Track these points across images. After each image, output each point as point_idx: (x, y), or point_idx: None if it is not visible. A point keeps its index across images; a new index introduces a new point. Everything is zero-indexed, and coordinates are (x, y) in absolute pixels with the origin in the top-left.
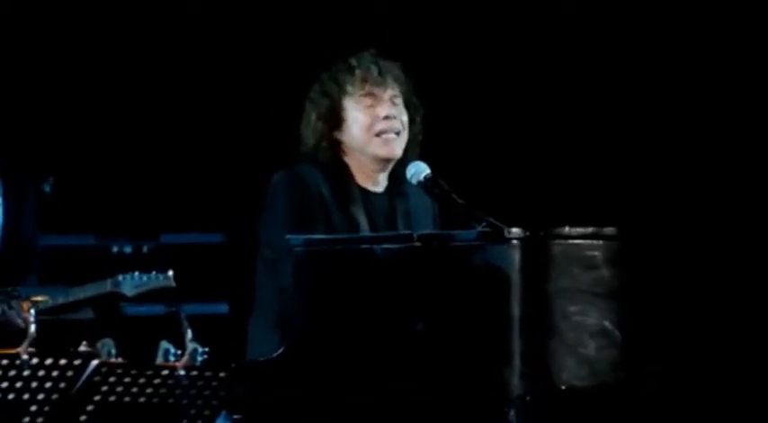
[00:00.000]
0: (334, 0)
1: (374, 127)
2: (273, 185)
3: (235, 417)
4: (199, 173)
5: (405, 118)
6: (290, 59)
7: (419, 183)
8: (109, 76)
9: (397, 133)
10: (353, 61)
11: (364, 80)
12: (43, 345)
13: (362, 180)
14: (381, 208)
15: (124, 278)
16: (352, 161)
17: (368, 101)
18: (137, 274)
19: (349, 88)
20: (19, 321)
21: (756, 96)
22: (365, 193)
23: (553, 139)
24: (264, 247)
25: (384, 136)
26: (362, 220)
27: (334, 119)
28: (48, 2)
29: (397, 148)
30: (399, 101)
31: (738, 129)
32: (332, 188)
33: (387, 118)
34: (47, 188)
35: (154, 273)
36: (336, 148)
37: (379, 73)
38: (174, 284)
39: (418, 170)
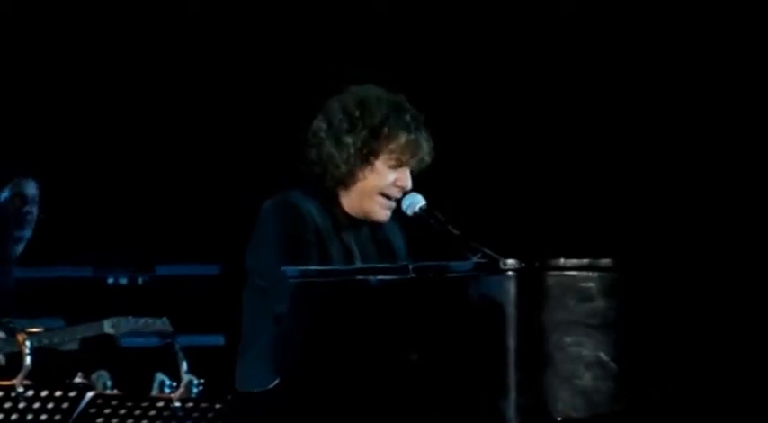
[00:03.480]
0: (334, 1)
1: (386, 189)
2: (265, 212)
3: None
4: (195, 204)
5: None
6: (287, 81)
7: (415, 214)
8: (108, 109)
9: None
10: (410, 119)
11: (410, 149)
12: (39, 376)
13: (349, 210)
14: (364, 236)
15: (119, 321)
16: (345, 194)
17: (396, 163)
18: (132, 318)
19: (393, 144)
20: None
21: (757, 120)
22: (352, 220)
23: (549, 170)
24: (255, 276)
25: (387, 204)
26: (354, 248)
27: (367, 159)
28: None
29: (389, 215)
30: None
31: (735, 155)
32: (324, 215)
33: (401, 188)
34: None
35: (150, 318)
36: (346, 182)
37: (426, 151)
38: (171, 329)
39: (414, 202)
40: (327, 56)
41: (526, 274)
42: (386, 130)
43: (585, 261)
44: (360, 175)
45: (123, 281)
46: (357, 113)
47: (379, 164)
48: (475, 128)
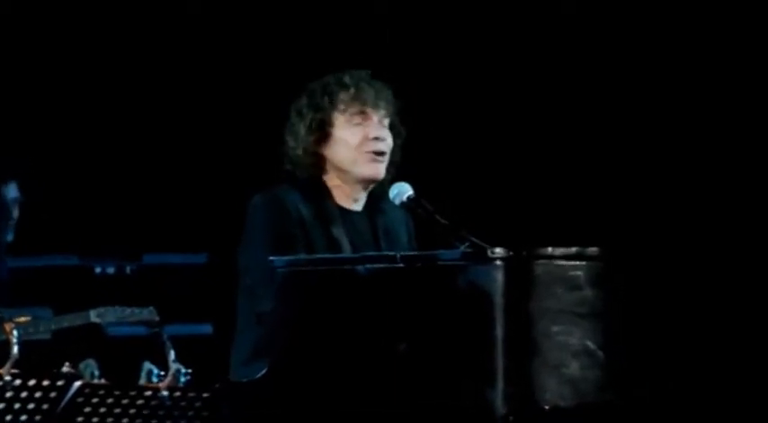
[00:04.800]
0: (334, 2)
1: (362, 147)
2: (252, 208)
3: None
4: (182, 193)
5: (390, 141)
6: (279, 74)
7: (402, 203)
8: (93, 97)
9: (383, 155)
10: (348, 78)
11: (358, 99)
12: (26, 365)
13: (341, 199)
14: (360, 227)
15: (106, 310)
16: (333, 179)
17: (358, 120)
18: (118, 307)
19: (341, 105)
20: None
21: (750, 113)
22: (344, 212)
23: (537, 159)
24: (243, 273)
25: (371, 156)
26: (344, 240)
27: (323, 133)
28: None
29: (383, 169)
30: (387, 123)
31: (725, 147)
32: (311, 209)
33: (376, 139)
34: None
35: (137, 308)
36: (318, 165)
37: (375, 94)
38: (157, 318)
39: (401, 191)
40: (327, 55)
41: (514, 263)
42: (325, 99)
43: (573, 250)
44: (324, 151)
45: (110, 270)
46: (304, 101)
47: (339, 130)
48: (464, 119)
